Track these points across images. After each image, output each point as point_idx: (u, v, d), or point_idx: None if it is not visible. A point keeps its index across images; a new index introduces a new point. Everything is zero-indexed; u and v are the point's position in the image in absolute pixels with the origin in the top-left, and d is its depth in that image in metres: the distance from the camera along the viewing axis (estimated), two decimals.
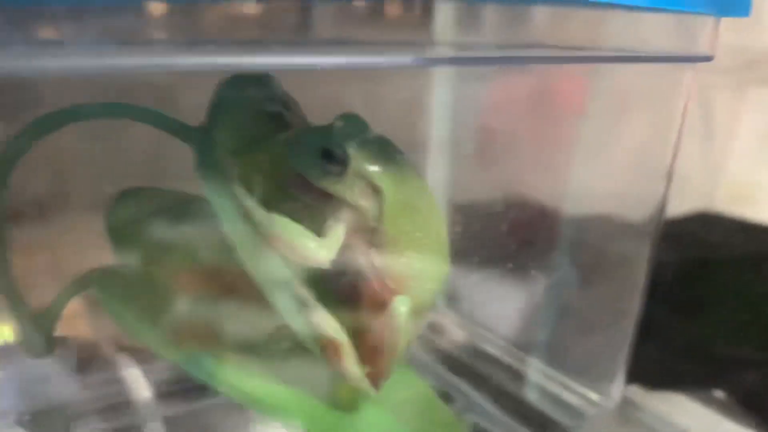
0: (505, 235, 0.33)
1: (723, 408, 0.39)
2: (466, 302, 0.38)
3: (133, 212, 0.27)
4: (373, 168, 0.23)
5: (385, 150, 0.24)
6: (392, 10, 0.24)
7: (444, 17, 0.24)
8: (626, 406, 0.36)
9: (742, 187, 0.63)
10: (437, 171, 0.40)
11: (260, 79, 0.26)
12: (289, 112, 0.26)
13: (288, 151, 0.23)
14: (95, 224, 0.31)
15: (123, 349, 0.37)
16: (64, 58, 0.16)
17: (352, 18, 0.22)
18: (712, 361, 0.40)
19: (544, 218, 0.34)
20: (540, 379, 0.36)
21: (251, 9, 0.20)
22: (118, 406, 0.34)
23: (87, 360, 0.32)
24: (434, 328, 0.41)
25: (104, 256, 0.28)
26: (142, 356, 0.37)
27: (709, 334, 0.40)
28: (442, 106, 0.40)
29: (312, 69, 0.22)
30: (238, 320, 0.25)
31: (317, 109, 0.26)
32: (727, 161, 0.64)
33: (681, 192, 0.38)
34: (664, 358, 0.39)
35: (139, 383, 0.36)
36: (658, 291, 0.33)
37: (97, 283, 0.25)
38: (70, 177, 0.32)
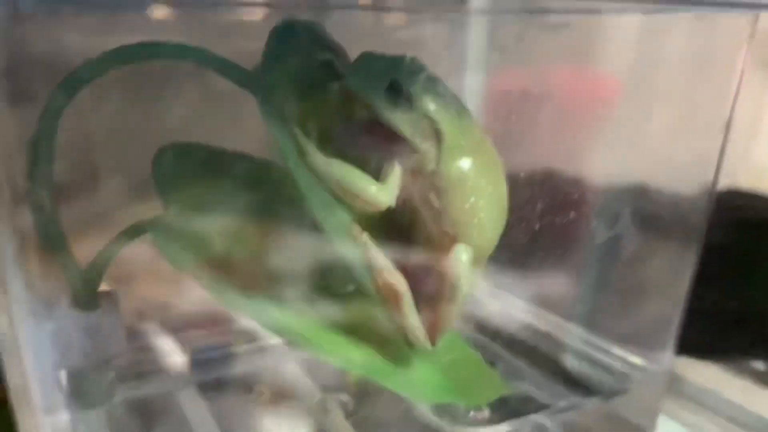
0: (550, 204, 0.32)
1: (763, 379, 0.38)
2: (509, 272, 0.37)
3: (181, 164, 0.26)
4: (436, 108, 0.22)
5: (448, 95, 0.23)
6: None
7: None
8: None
9: (765, 171, 0.62)
10: None
11: (310, 26, 0.25)
12: (339, 60, 0.25)
13: (353, 77, 0.22)
14: (128, 190, 0.30)
15: (153, 317, 0.37)
16: None
17: None
18: (754, 332, 0.39)
19: (591, 189, 0.33)
20: (587, 347, 0.35)
21: None
22: (152, 373, 0.34)
23: None
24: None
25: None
26: (174, 324, 0.36)
27: (754, 306, 0.39)
28: (475, 68, 0.39)
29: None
30: (297, 266, 0.24)
31: None
32: (752, 145, 0.63)
33: None
34: (706, 329, 0.38)
35: (172, 350, 0.35)
36: (703, 261, 0.32)
37: (152, 230, 0.24)
38: (100, 145, 0.31)
